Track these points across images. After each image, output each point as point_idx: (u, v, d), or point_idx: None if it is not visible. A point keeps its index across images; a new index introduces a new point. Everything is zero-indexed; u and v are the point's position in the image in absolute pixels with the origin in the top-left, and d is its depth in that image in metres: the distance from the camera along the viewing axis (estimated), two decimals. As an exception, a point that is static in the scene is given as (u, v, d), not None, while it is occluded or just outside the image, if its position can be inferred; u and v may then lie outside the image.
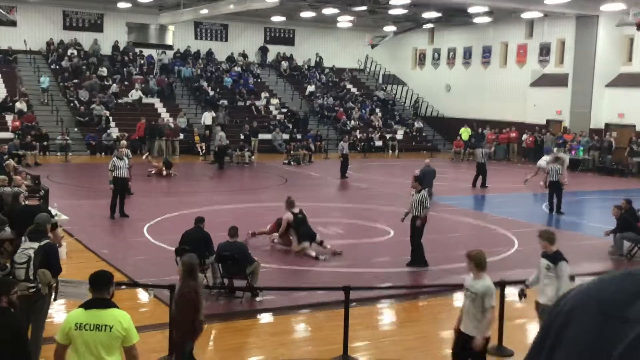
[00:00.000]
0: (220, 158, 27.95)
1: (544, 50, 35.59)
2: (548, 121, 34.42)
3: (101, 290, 5.52)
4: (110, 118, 32.30)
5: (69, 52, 35.65)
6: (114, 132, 31.44)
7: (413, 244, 13.26)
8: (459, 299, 11.96)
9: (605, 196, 22.84)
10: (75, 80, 33.99)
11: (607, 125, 32.20)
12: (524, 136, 34.03)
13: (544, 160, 22.75)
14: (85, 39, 36.73)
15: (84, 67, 35.08)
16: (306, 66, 41.93)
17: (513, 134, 34.66)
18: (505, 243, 15.49)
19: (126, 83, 35.44)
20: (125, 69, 36.34)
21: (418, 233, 13.22)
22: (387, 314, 11.22)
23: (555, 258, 8.47)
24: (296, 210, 14.18)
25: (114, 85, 34.26)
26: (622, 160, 30.05)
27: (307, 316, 10.66)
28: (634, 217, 14.70)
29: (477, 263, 7.30)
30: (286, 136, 34.16)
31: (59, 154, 29.07)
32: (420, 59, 43.57)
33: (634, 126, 30.81)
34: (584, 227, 18.41)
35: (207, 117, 32.64)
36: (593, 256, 14.63)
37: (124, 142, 22.10)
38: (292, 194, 21.75)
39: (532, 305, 11.71)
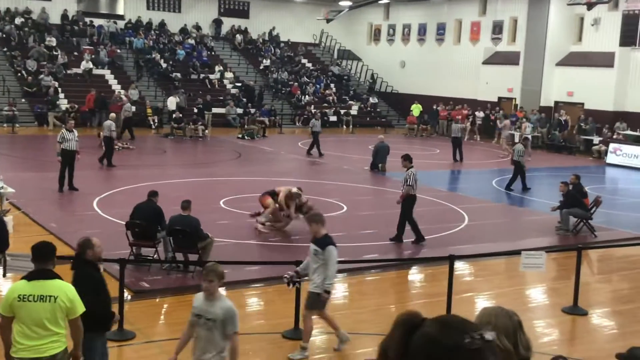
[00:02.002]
0: (126, 128, 27.26)
1: (497, 28, 35.95)
2: (500, 99, 34.91)
3: (44, 262, 5.45)
4: (59, 89, 31.54)
5: (17, 20, 34.59)
6: (63, 103, 30.72)
7: (399, 220, 13.31)
8: (410, 273, 12.16)
9: (554, 173, 23.34)
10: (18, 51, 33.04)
11: (556, 103, 32.81)
12: (477, 113, 34.35)
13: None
14: (33, 7, 35.64)
15: (31, 36, 34.08)
16: (261, 40, 41.55)
17: (465, 112, 34.92)
18: (456, 218, 15.73)
19: (75, 53, 34.59)
20: (74, 39, 35.45)
21: (402, 211, 13.24)
22: (338, 288, 11.31)
23: (323, 243, 7.97)
24: (294, 189, 14.10)
25: (59, 56, 33.35)
26: (570, 137, 30.71)
27: (259, 290, 10.70)
28: (581, 193, 15.08)
29: (221, 276, 5.99)
30: (240, 110, 33.90)
31: (5, 125, 28.30)
32: (376, 35, 43.58)
33: (583, 104, 31.48)
34: (532, 203, 18.82)
35: (172, 102, 31.80)
36: (540, 232, 14.99)
37: (112, 115, 21.99)
38: (246, 169, 21.67)
39: (480, 279, 11.99)
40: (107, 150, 20.65)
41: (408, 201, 13.13)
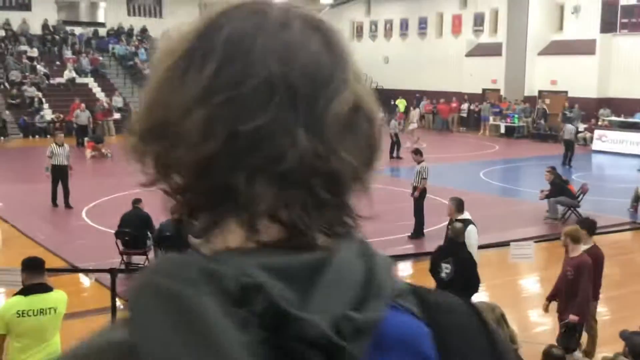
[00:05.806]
0: (80, 137, 26.80)
1: (478, 20, 36.08)
2: (484, 90, 35.04)
3: (38, 275, 5.47)
4: (43, 99, 31.39)
5: (-4, 32, 34.47)
6: (47, 113, 30.58)
7: (415, 215, 13.54)
8: (401, 268, 12.21)
9: (540, 162, 23.45)
10: None
11: (540, 92, 32.98)
12: (462, 105, 34.49)
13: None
14: (13, 18, 35.44)
15: (11, 47, 33.91)
16: (243, 41, 41.42)
17: (454, 105, 35.04)
18: (445, 212, 15.75)
19: (58, 63, 34.42)
20: (56, 48, 35.28)
21: (416, 205, 13.47)
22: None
23: None
24: None
25: (37, 67, 33.19)
26: (555, 126, 30.86)
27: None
28: (563, 180, 15.22)
29: None
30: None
31: (-10, 138, 28.15)
32: (358, 31, 43.62)
33: (566, 92, 31.65)
34: (519, 193, 18.91)
35: None
36: (529, 221, 15.07)
37: None
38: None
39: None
40: None
41: (422, 194, 13.33)
